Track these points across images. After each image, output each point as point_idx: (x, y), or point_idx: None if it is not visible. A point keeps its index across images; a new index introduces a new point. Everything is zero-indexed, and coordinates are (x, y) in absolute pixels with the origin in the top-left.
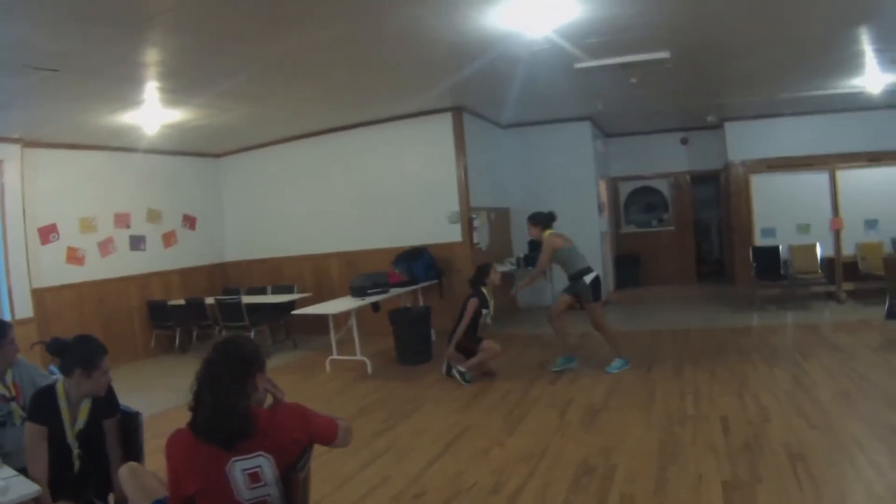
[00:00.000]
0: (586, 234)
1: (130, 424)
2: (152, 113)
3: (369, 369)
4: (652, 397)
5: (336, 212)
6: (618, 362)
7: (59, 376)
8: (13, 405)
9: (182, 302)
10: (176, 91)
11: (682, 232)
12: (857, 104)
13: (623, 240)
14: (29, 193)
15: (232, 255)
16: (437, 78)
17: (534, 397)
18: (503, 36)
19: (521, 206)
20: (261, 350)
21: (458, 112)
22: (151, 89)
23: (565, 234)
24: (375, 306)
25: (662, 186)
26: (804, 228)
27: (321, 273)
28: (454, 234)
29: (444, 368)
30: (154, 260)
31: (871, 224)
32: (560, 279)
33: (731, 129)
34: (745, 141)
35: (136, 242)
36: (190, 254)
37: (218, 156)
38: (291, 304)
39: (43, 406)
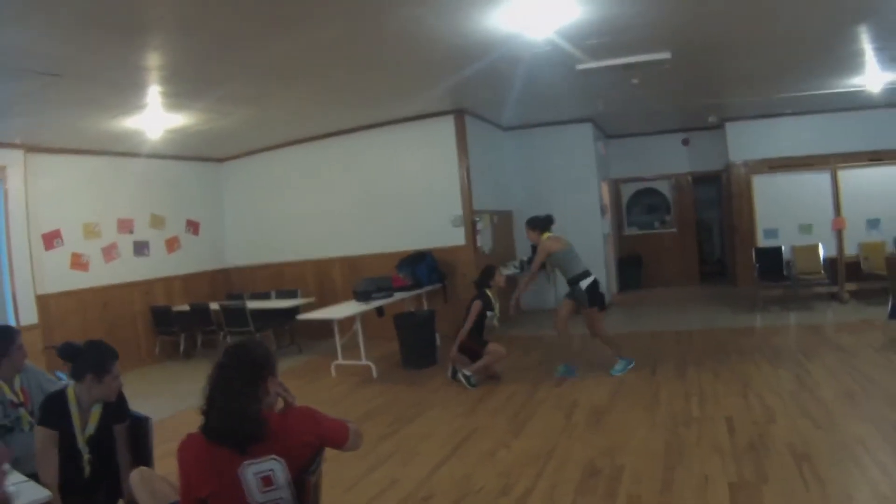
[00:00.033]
0: (589, 236)
1: (140, 429)
2: (155, 118)
3: (374, 373)
4: (656, 398)
5: (339, 216)
6: (620, 364)
7: (65, 382)
8: (21, 411)
9: (186, 308)
10: (178, 95)
11: (684, 233)
12: (858, 103)
13: (625, 241)
14: (32, 199)
15: (234, 260)
16: (439, 80)
17: (539, 399)
18: (505, 37)
19: (524, 209)
20: (272, 354)
21: (459, 114)
22: (153, 93)
23: (563, 237)
24: (380, 310)
25: (664, 188)
26: (806, 229)
27: (324, 277)
28: (457, 237)
29: (449, 372)
30: (157, 265)
31: (873, 224)
32: (563, 282)
33: (731, 129)
34: (747, 141)
35: (140, 248)
36: (193, 259)
37: (220, 160)
38: (296, 309)
39: (53, 411)
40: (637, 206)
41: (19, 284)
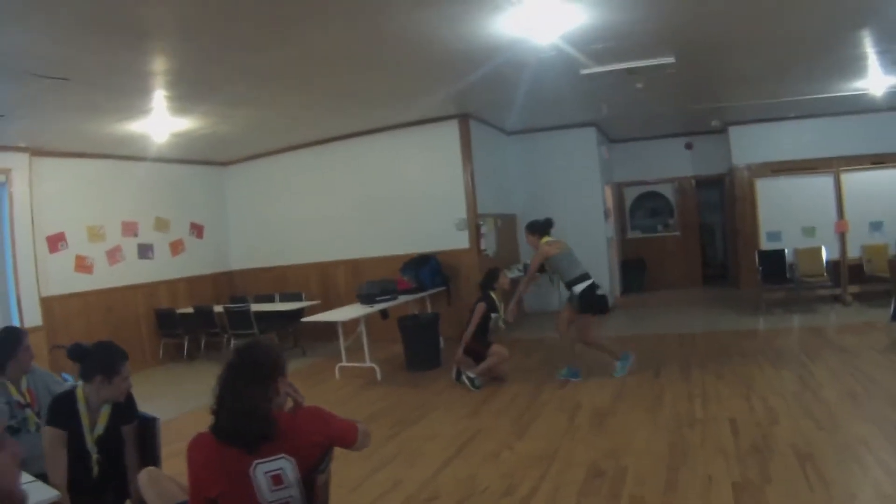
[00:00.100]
0: (592, 239)
1: (148, 430)
2: (160, 121)
3: (378, 376)
4: (660, 400)
5: (342, 219)
6: (619, 364)
7: (72, 383)
8: (28, 412)
9: (190, 310)
10: (181, 99)
11: (687, 236)
12: (861, 106)
13: (629, 245)
14: (37, 202)
15: (238, 263)
16: (444, 85)
17: (542, 401)
18: (510, 42)
19: (527, 213)
20: (282, 354)
21: (464, 119)
22: (158, 98)
23: (562, 240)
24: (384, 313)
25: (667, 191)
26: (809, 231)
27: (328, 280)
28: (461, 240)
29: (453, 374)
30: (162, 268)
31: (876, 226)
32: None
33: (735, 133)
34: (750, 145)
35: (144, 251)
36: (197, 262)
37: (224, 164)
38: (300, 312)
39: (62, 411)
40: (640, 209)
41: (23, 287)
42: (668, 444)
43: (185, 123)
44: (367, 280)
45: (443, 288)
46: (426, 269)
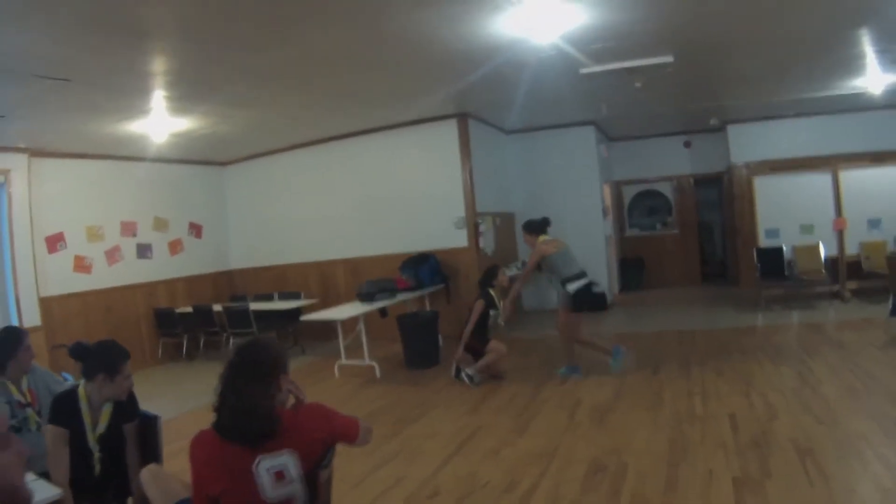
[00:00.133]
0: (591, 238)
1: (150, 428)
2: (159, 122)
3: (378, 374)
4: (660, 397)
5: (341, 218)
6: (614, 359)
7: (71, 383)
8: (29, 411)
9: (189, 309)
10: (181, 99)
11: (685, 234)
12: (859, 105)
13: (627, 243)
14: (36, 202)
15: (237, 262)
16: (444, 85)
17: (542, 399)
18: (510, 42)
19: (526, 211)
20: (284, 352)
21: (462, 118)
22: (157, 98)
23: (559, 239)
24: (383, 311)
25: (666, 189)
26: (808, 229)
27: (327, 279)
28: (460, 239)
29: (452, 371)
30: (160, 268)
31: (874, 223)
32: None
33: (733, 131)
34: (748, 143)
35: (143, 251)
36: (196, 262)
37: (223, 164)
38: (299, 311)
39: (64, 410)
40: (639, 207)
41: (23, 287)
42: (669, 440)
43: (184, 123)
44: (367, 279)
45: (442, 286)
46: (425, 268)
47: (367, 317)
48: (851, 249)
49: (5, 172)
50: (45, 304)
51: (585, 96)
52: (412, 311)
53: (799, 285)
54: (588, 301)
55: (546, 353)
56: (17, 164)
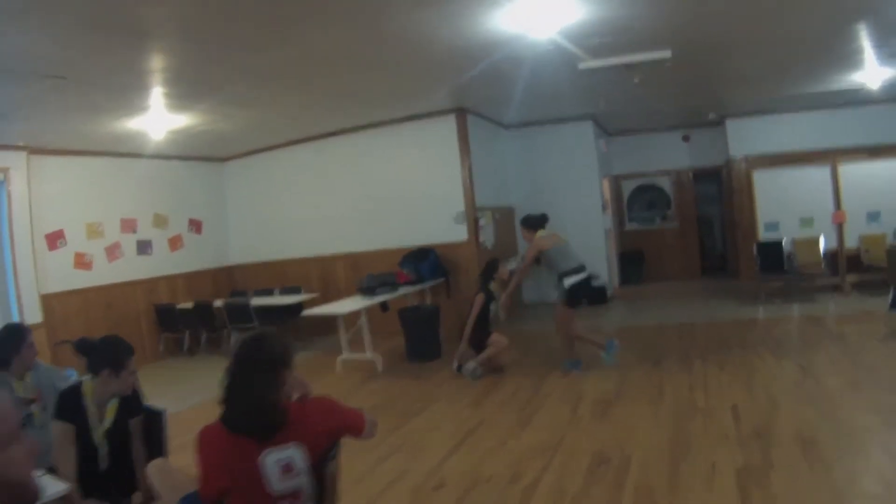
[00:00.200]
0: (590, 232)
1: (155, 423)
2: (158, 119)
3: (380, 368)
4: (662, 390)
5: (341, 214)
6: (606, 353)
7: (76, 378)
8: (33, 408)
9: (190, 305)
10: (180, 97)
11: (685, 228)
12: (858, 99)
13: (627, 237)
14: (35, 200)
15: (237, 258)
16: (442, 81)
17: (545, 392)
18: (508, 38)
19: (525, 206)
20: (289, 345)
21: (461, 113)
22: (157, 95)
23: (557, 233)
24: (384, 306)
25: (665, 184)
26: (807, 222)
27: (327, 275)
28: (460, 234)
29: (454, 365)
30: (161, 264)
31: (873, 216)
32: None
33: (731, 125)
34: (746, 137)
35: (143, 247)
36: (196, 258)
37: (223, 160)
38: (300, 306)
39: (69, 406)
40: (638, 201)
41: (23, 284)
42: (671, 433)
43: (183, 120)
44: (368, 273)
45: (442, 280)
46: (425, 263)
47: (367, 311)
48: (851, 242)
49: (4, 170)
50: (46, 301)
51: (584, 91)
52: (413, 305)
53: (799, 278)
54: (585, 295)
55: (547, 346)
56: (16, 162)
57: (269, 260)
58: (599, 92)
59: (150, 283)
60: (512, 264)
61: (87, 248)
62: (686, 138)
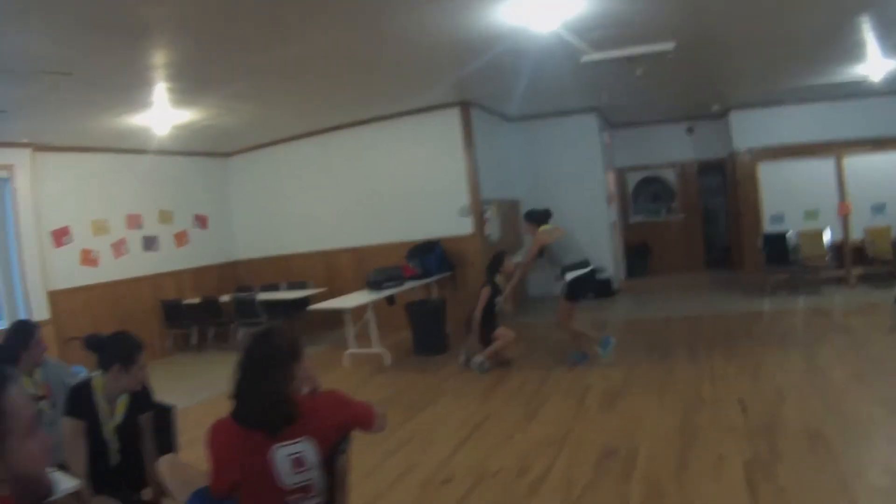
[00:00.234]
0: (595, 224)
1: (165, 419)
2: (162, 114)
3: (387, 361)
4: (669, 382)
5: (346, 208)
6: (601, 348)
7: (85, 374)
8: (42, 404)
9: (197, 301)
10: (183, 92)
11: (690, 220)
12: (861, 91)
13: (632, 229)
14: (41, 197)
15: (243, 253)
16: (445, 74)
17: (552, 385)
18: (510, 31)
19: (530, 199)
20: (298, 339)
21: (465, 106)
22: (160, 91)
23: (560, 228)
24: (391, 299)
25: (669, 176)
26: (812, 214)
27: (332, 269)
28: (465, 227)
29: (462, 358)
30: (166, 260)
31: (878, 208)
32: None
33: (735, 117)
34: (750, 129)
35: (149, 243)
36: (201, 253)
37: (227, 155)
38: (306, 300)
39: (79, 402)
40: (643, 194)
41: (30, 281)
42: (679, 425)
43: (186, 115)
44: (374, 267)
45: (448, 273)
46: (431, 256)
47: (374, 305)
48: (856, 235)
49: (9, 168)
50: (53, 297)
51: (587, 84)
52: (420, 299)
53: (804, 271)
54: (588, 290)
55: (553, 340)
56: (20, 160)
57: (275, 255)
58: (602, 85)
59: (157, 279)
60: (517, 257)
61: (93, 245)
62: (690, 130)
